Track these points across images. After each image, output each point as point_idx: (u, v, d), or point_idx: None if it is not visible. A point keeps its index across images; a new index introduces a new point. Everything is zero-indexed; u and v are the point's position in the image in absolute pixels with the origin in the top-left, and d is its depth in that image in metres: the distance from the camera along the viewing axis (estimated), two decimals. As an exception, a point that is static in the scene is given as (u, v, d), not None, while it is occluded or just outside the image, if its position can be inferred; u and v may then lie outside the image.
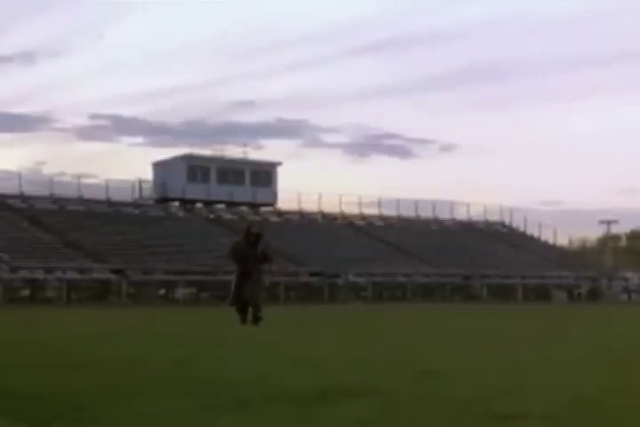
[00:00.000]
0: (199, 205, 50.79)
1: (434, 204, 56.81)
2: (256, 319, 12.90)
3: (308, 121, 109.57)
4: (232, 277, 13.60)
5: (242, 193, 50.38)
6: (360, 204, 54.37)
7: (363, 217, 54.81)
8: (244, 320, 12.99)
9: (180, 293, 38.42)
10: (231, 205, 50.73)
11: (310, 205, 52.80)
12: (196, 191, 49.63)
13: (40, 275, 35.55)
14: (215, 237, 40.81)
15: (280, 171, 53.04)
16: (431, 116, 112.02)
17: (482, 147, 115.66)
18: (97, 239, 40.61)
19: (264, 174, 52.19)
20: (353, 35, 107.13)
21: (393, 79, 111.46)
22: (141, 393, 4.77)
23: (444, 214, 57.68)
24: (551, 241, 59.03)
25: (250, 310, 13.06)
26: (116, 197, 47.43)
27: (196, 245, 41.77)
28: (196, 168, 50.34)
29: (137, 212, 47.68)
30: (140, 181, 49.95)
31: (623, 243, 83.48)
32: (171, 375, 5.76)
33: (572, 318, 20.60)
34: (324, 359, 7.17)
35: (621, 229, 72.49)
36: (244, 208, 51.28)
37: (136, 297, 35.91)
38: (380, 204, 55.72)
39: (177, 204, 50.64)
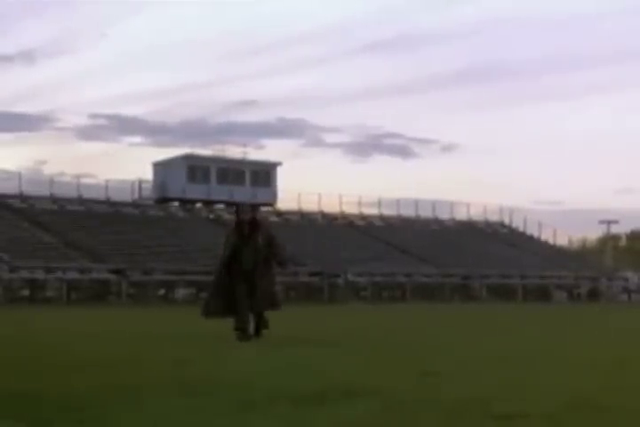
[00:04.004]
0: (199, 205, 50.78)
1: (434, 204, 56.83)
2: (259, 329, 9.97)
3: (308, 121, 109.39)
4: (213, 278, 10.26)
5: (242, 193, 50.31)
6: (360, 204, 54.40)
7: (363, 217, 54.78)
8: (244, 337, 9.62)
9: (180, 293, 38.42)
10: (231, 205, 50.69)
11: (310, 205, 52.81)
12: (195, 191, 49.62)
13: (40, 275, 35.51)
14: (215, 238, 40.70)
15: (280, 171, 53.11)
16: (432, 116, 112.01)
17: (483, 147, 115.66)
18: (97, 239, 40.60)
19: (264, 174, 52.19)
20: (353, 34, 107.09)
21: (394, 79, 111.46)
22: (142, 393, 4.77)
23: (444, 214, 57.68)
24: (551, 241, 59.04)
25: (252, 318, 9.92)
26: (115, 197, 47.39)
27: (196, 245, 41.73)
28: (196, 168, 50.33)
29: (137, 212, 47.65)
30: (140, 181, 49.94)
31: (623, 243, 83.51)
32: (171, 375, 5.76)
33: (571, 318, 20.60)
34: (324, 360, 7.17)
35: (621, 229, 72.54)
36: (244, 208, 51.20)
37: (136, 297, 35.91)
38: (380, 204, 55.77)
39: (177, 204, 50.62)
